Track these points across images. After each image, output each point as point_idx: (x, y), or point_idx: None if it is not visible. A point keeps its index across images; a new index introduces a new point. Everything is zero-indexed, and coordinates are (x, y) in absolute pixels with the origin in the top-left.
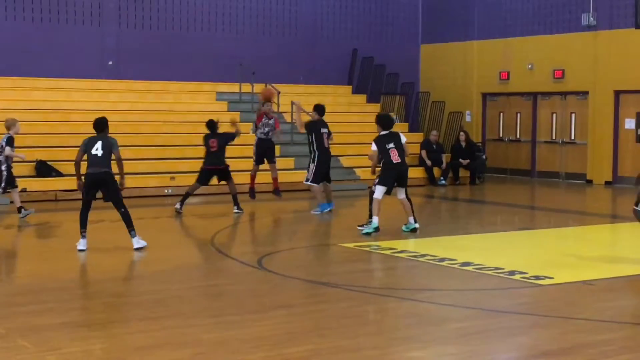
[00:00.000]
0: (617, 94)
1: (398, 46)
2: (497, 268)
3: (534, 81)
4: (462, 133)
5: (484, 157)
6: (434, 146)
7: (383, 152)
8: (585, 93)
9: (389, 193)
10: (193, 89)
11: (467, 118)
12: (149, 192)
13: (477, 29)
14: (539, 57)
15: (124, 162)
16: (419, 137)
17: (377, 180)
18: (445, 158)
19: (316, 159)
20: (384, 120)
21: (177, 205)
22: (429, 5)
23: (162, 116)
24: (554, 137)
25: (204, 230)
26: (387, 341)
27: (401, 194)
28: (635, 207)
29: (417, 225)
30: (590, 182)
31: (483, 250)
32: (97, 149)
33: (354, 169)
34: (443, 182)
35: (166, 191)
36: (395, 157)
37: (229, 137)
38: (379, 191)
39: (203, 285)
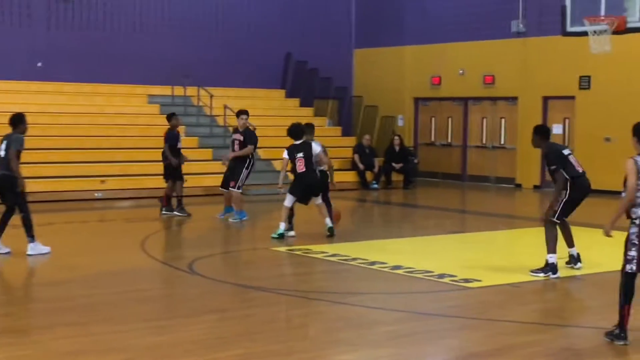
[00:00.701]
0: (546, 99)
1: (331, 50)
2: (427, 271)
3: (465, 86)
4: (396, 137)
5: (415, 161)
6: (367, 150)
7: (292, 162)
8: (515, 98)
9: (304, 202)
10: (124, 91)
11: (400, 122)
12: (79, 196)
13: (410, 34)
14: (469, 62)
15: (47, 165)
16: (352, 141)
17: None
18: (378, 162)
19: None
20: (292, 132)
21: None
22: (362, 10)
23: (92, 119)
24: (484, 142)
25: (135, 234)
26: (318, 345)
27: (316, 199)
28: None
29: (331, 224)
30: (519, 186)
31: (413, 254)
32: (2, 149)
33: (287, 173)
34: (375, 185)
35: (96, 195)
36: (300, 167)
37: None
38: (288, 199)
39: (133, 290)
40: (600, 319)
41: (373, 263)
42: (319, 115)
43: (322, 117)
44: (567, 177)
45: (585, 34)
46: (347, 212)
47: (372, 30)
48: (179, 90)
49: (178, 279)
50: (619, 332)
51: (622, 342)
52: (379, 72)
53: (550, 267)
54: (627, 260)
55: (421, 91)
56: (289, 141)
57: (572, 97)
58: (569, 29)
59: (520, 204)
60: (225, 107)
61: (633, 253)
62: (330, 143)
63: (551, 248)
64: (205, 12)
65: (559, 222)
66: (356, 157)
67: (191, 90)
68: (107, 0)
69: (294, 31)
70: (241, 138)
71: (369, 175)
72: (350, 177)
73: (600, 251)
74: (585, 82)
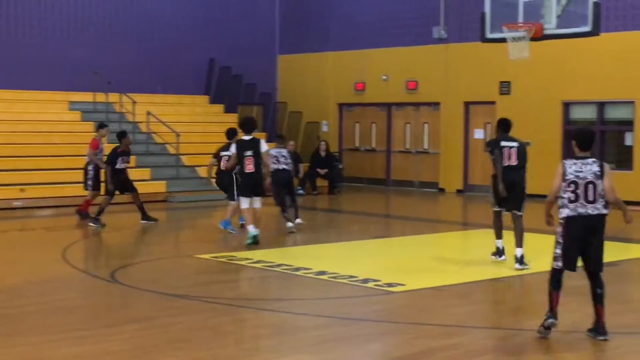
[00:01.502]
0: (467, 105)
1: (255, 57)
2: (351, 276)
3: (388, 92)
4: (322, 142)
5: (340, 166)
6: (292, 156)
7: (240, 160)
8: (437, 104)
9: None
10: (44, 98)
11: (324, 128)
12: None
13: (334, 41)
14: (393, 68)
15: None
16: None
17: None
18: (303, 168)
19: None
20: (243, 123)
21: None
22: (285, 16)
23: (12, 126)
24: (407, 147)
25: (56, 243)
26: (243, 352)
27: (256, 202)
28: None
29: (255, 232)
30: (442, 190)
31: (338, 259)
32: None
33: (211, 180)
34: (301, 191)
35: (15, 204)
36: (248, 167)
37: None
38: (242, 202)
39: (53, 300)
40: (522, 321)
41: (298, 269)
42: None
43: None
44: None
45: (504, 40)
46: (273, 218)
47: (296, 37)
48: (101, 97)
49: (100, 288)
50: (550, 314)
51: (550, 321)
52: (303, 78)
53: (498, 252)
54: (554, 258)
55: (345, 97)
56: (214, 147)
57: (493, 102)
58: (489, 35)
59: (443, 208)
60: (149, 113)
61: (558, 251)
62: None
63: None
64: (128, 18)
65: (497, 209)
66: None
67: (113, 97)
68: (26, 6)
69: (217, 37)
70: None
71: (295, 182)
72: None
73: (525, 254)
74: (505, 88)
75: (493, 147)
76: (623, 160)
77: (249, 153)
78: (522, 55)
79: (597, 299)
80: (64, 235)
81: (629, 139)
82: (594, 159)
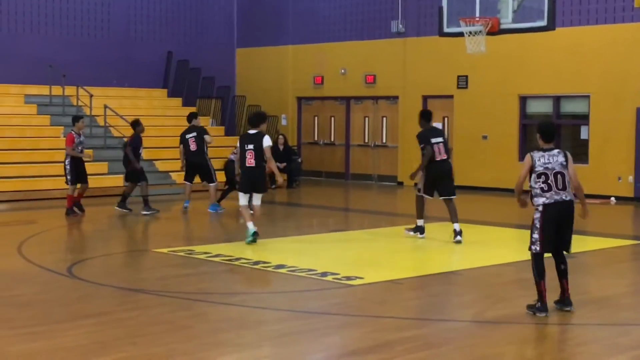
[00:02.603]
0: (425, 98)
1: (213, 50)
2: (310, 270)
3: (347, 86)
4: (280, 136)
5: (299, 160)
6: None
7: (241, 154)
8: (396, 98)
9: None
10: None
11: (283, 122)
12: None
13: (292, 34)
14: (351, 62)
15: None
16: (235, 140)
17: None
18: None
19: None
20: (250, 117)
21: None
22: (244, 9)
23: None
24: (366, 141)
25: (12, 237)
26: (200, 346)
27: (255, 199)
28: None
29: (254, 229)
30: (401, 183)
31: (297, 253)
32: None
33: (170, 173)
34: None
35: None
36: (249, 161)
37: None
38: (240, 197)
39: (8, 295)
40: (478, 312)
41: (256, 263)
42: (202, 115)
43: (205, 116)
44: (428, 156)
45: (461, 34)
46: (231, 212)
47: (254, 30)
48: (57, 90)
49: (56, 282)
50: (540, 306)
51: (543, 314)
52: (262, 71)
53: (418, 229)
54: (531, 242)
55: (304, 90)
56: (171, 140)
57: (451, 97)
58: (446, 29)
59: (402, 202)
60: (105, 107)
61: (536, 236)
62: (213, 143)
63: (418, 214)
64: (85, 10)
65: (422, 195)
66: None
67: (70, 90)
68: None
69: (175, 30)
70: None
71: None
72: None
73: (479, 247)
74: (463, 82)
75: (426, 143)
76: (579, 153)
77: (250, 147)
78: (479, 50)
79: (562, 274)
80: (20, 230)
81: (584, 133)
82: (558, 150)
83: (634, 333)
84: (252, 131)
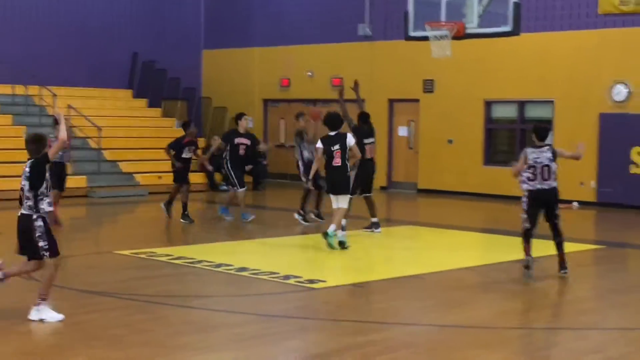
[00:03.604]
0: (392, 102)
1: (180, 51)
2: (272, 273)
3: (314, 88)
4: None
5: (265, 162)
6: (216, 151)
7: (327, 154)
8: (362, 101)
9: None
10: None
11: (249, 124)
12: None
13: (259, 36)
14: (318, 65)
15: None
16: (200, 142)
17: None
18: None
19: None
20: (328, 120)
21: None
22: (210, 11)
23: None
24: None
25: None
26: (161, 350)
27: (340, 202)
28: None
29: (334, 232)
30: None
31: (260, 255)
32: None
33: (134, 175)
34: (225, 187)
35: None
36: (336, 161)
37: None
38: (332, 200)
39: None
40: (439, 317)
41: (219, 265)
42: (167, 116)
43: (170, 118)
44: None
45: (427, 38)
46: (195, 214)
47: (221, 31)
48: (20, 89)
49: (13, 285)
50: (528, 259)
51: (528, 258)
52: (228, 73)
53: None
54: (523, 221)
55: (270, 93)
56: (136, 141)
57: (417, 100)
58: (412, 33)
59: (365, 205)
60: (70, 107)
61: (525, 215)
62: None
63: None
64: (50, 9)
65: (351, 195)
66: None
67: (33, 89)
68: None
69: (141, 31)
70: (249, 142)
71: (217, 177)
72: (198, 178)
73: (442, 251)
74: (429, 86)
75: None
76: None
77: (336, 147)
78: (444, 54)
79: (558, 246)
80: None
81: (548, 138)
82: (548, 147)
83: (594, 337)
84: (332, 133)
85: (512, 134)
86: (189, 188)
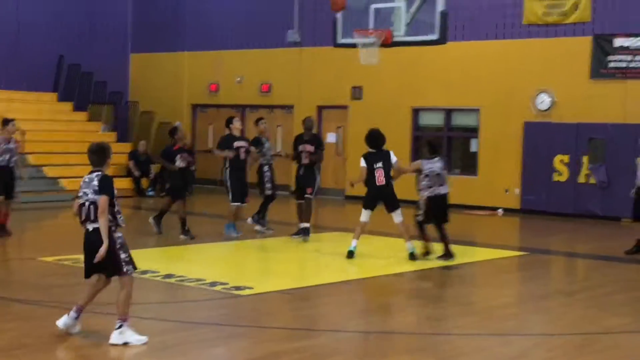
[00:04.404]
0: (320, 108)
1: (106, 54)
2: (199, 279)
3: (243, 94)
4: None
5: (193, 168)
6: (142, 157)
7: (369, 172)
8: (291, 107)
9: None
10: None
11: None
12: None
13: (188, 41)
14: (247, 70)
15: None
16: (127, 147)
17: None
18: (154, 169)
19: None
20: (370, 138)
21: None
22: (138, 14)
23: None
24: None
25: None
26: (83, 358)
27: (397, 216)
28: None
29: (413, 249)
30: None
31: (187, 262)
32: None
33: (59, 180)
34: (151, 192)
35: None
36: (380, 179)
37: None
38: (363, 214)
39: None
40: (366, 323)
41: (145, 272)
42: (93, 120)
43: (96, 122)
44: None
45: (355, 46)
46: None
47: (149, 35)
48: None
49: None
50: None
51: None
52: (156, 77)
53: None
54: (416, 216)
55: (199, 98)
56: (61, 145)
57: (345, 107)
58: (340, 40)
59: (294, 211)
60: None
61: (420, 217)
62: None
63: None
64: None
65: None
66: (131, 163)
67: None
68: None
69: (66, 33)
70: (246, 144)
71: (144, 182)
72: (125, 184)
73: (371, 257)
74: (357, 93)
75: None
76: (468, 166)
77: (379, 165)
78: (371, 61)
79: (443, 237)
80: None
81: (474, 146)
82: (438, 158)
83: (517, 343)
84: (373, 150)
85: (439, 142)
86: (185, 203)
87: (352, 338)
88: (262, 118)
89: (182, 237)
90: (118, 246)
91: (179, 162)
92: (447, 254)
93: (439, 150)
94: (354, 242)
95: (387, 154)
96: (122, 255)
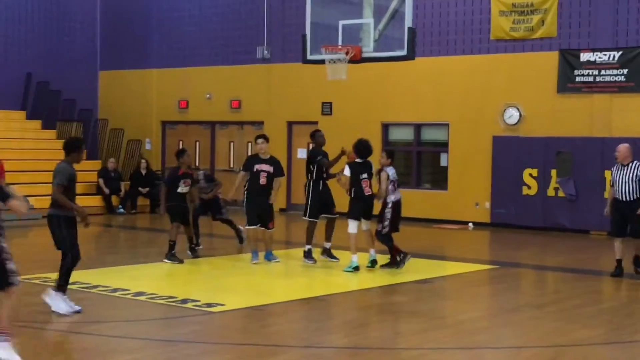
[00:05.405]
0: (290, 124)
1: (75, 72)
2: (170, 297)
3: (212, 110)
4: (143, 161)
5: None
6: (112, 174)
7: (355, 182)
8: (261, 123)
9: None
10: None
11: (147, 146)
12: None
13: (157, 58)
14: (217, 87)
15: None
16: (96, 164)
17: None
18: (124, 186)
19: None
20: (360, 148)
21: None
22: (107, 31)
23: None
24: (232, 166)
25: None
26: None
27: (365, 225)
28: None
29: (375, 257)
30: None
31: (157, 279)
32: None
33: (27, 198)
34: (121, 210)
35: None
36: (367, 190)
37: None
38: (351, 225)
39: None
40: (337, 339)
41: (115, 290)
42: (62, 138)
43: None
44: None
45: (324, 62)
46: (92, 237)
47: (118, 52)
48: None
49: None
50: (401, 255)
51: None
52: (125, 94)
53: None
54: (384, 227)
55: (168, 114)
56: (30, 164)
57: (315, 122)
58: (310, 57)
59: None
60: None
61: (387, 223)
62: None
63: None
64: None
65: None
66: (101, 181)
67: None
68: None
69: (35, 51)
70: (271, 169)
71: (114, 200)
72: (95, 201)
73: (342, 273)
74: (327, 108)
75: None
76: (438, 180)
77: (364, 176)
78: (339, 77)
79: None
80: None
81: (444, 160)
82: (389, 168)
83: (488, 356)
84: (359, 160)
85: (409, 156)
86: (190, 226)
87: (322, 354)
88: (261, 136)
89: (188, 253)
90: (5, 256)
91: (182, 188)
92: (394, 262)
93: (394, 157)
94: (354, 257)
95: (371, 165)
96: (10, 266)
